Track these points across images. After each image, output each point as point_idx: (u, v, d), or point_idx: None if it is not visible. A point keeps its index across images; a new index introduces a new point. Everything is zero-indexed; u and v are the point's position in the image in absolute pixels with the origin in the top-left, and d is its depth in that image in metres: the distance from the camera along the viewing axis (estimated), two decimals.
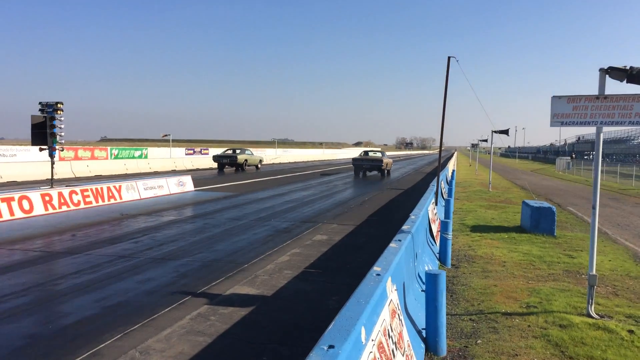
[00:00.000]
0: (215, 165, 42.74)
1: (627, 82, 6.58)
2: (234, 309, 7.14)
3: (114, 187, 19.35)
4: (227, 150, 44.57)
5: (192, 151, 70.42)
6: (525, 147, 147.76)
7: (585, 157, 79.19)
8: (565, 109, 6.89)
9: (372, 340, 3.72)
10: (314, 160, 79.72)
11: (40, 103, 17.12)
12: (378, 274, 4.76)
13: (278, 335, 6.20)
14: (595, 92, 6.82)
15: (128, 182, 20.60)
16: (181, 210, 17.64)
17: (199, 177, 33.04)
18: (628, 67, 6.50)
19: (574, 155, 74.46)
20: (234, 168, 42.25)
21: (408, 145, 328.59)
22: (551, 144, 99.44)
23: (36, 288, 8.09)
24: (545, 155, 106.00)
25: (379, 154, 39.18)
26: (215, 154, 44.52)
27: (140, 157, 51.76)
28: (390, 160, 41.71)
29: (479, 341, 6.11)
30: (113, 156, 48.00)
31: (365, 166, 37.29)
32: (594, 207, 6.91)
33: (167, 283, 8.39)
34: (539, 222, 13.30)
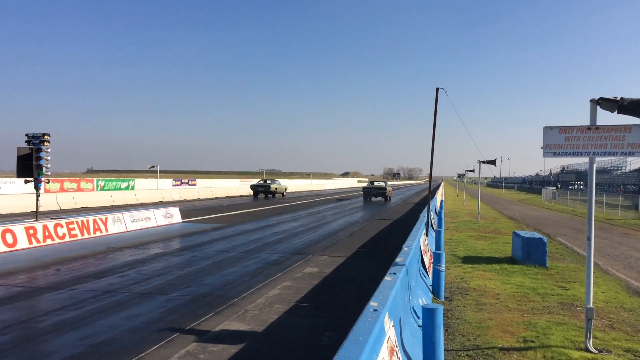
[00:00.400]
0: (202, 196, 42.90)
1: (617, 113, 6.62)
2: (224, 346, 6.91)
3: (100, 219, 19.05)
4: (260, 180, 57.58)
5: (179, 182, 70.13)
6: (511, 177, 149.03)
7: (570, 187, 79.87)
8: (558, 139, 6.90)
9: None
10: (302, 191, 79.60)
11: (26, 135, 16.93)
12: (375, 310, 4.61)
13: None
14: (585, 123, 6.85)
15: (114, 214, 20.30)
16: (168, 242, 17.36)
17: (187, 208, 32.73)
18: (619, 98, 6.53)
19: (559, 185, 75.11)
20: (265, 195, 53.15)
21: (395, 175, 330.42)
22: (537, 174, 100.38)
23: (18, 326, 7.81)
24: (531, 185, 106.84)
25: (382, 184, 50.28)
26: (251, 184, 57.12)
27: (127, 188, 51.41)
28: (391, 188, 52.67)
29: None
30: (99, 188, 47.60)
31: (372, 193, 48.17)
32: (589, 239, 6.86)
33: (155, 319, 8.13)
34: (530, 253, 13.24)
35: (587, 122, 6.86)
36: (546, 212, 38.98)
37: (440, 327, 5.62)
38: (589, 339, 6.75)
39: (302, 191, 79.61)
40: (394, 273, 6.47)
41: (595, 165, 7.03)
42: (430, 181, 14.51)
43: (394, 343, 4.76)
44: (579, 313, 8.78)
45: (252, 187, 53.69)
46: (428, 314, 5.61)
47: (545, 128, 6.97)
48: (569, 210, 41.00)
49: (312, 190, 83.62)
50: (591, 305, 6.78)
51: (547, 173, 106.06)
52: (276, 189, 53.57)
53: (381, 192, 47.57)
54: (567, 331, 7.58)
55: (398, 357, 4.78)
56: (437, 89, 14.20)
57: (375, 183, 51.51)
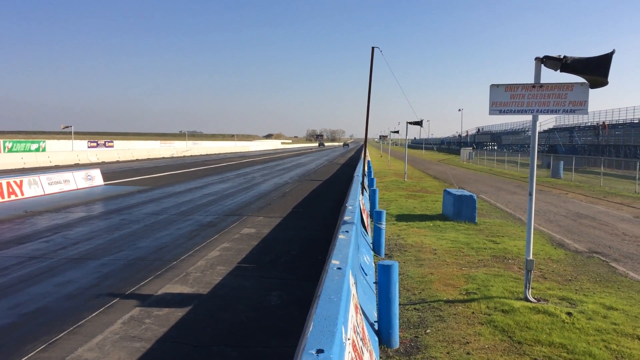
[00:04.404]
0: (122, 158, 41.36)
1: (560, 71, 6.78)
2: (169, 310, 6.64)
3: (15, 182, 17.75)
4: (320, 141, 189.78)
5: (95, 144, 66.82)
6: (430, 138, 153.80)
7: (485, 147, 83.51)
8: (503, 97, 7.00)
9: (349, 339, 3.48)
10: (227, 153, 78.29)
11: None
12: (339, 268, 4.52)
13: (222, 336, 5.81)
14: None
15: (30, 176, 18.99)
16: (92, 205, 16.49)
17: (107, 170, 31.25)
18: (562, 57, 6.68)
19: (474, 146, 78.30)
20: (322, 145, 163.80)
21: (318, 137, 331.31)
22: (459, 135, 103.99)
23: None
24: (449, 146, 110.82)
25: (349, 143, 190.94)
26: (318, 143, 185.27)
27: (37, 150, 48.31)
28: (352, 141, 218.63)
29: (427, 330, 6.07)
30: (7, 149, 44.41)
31: (347, 145, 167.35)
32: (530, 194, 7.09)
33: (90, 285, 7.69)
34: (461, 210, 13.68)
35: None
36: (466, 172, 40.55)
37: (396, 283, 5.66)
38: (528, 289, 7.05)
39: (227, 153, 78.33)
40: (347, 231, 6.41)
41: (538, 124, 7.20)
42: (365, 142, 14.53)
43: (357, 301, 4.72)
44: (511, 265, 9.19)
45: (319, 144, 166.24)
46: (384, 270, 5.63)
47: (492, 86, 7.04)
48: (486, 170, 42.90)
49: (237, 152, 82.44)
50: (531, 257, 7.06)
51: (465, 134, 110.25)
52: (325, 144, 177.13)
53: (348, 144, 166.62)
54: (505, 282, 7.91)
55: (360, 314, 4.74)
56: (373, 48, 14.09)
57: (346, 142, 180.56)
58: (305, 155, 69.72)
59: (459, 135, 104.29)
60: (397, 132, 47.48)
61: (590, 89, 6.79)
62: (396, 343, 5.63)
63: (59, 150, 50.63)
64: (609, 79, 6.49)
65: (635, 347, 5.48)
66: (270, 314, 6.56)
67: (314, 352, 2.74)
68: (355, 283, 5.76)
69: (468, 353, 5.34)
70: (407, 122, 28.63)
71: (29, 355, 5.22)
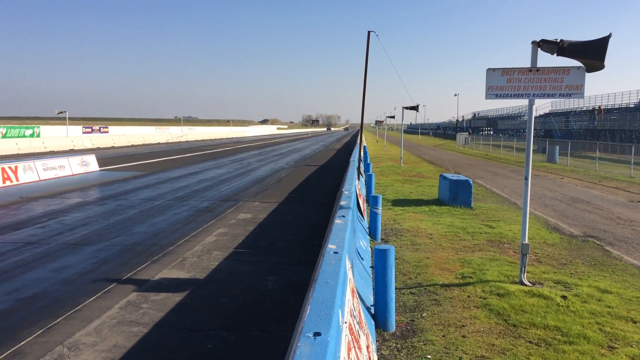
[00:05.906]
0: (117, 144, 41.33)
1: (557, 55, 6.75)
2: (166, 294, 6.65)
3: (10, 167, 17.68)
4: (327, 127, 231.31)
5: (90, 129, 66.56)
6: (426, 124, 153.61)
7: (481, 132, 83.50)
8: (500, 81, 6.97)
9: (345, 322, 3.49)
10: (222, 138, 78.08)
11: None
12: (335, 252, 4.53)
13: (219, 321, 5.83)
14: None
15: (25, 162, 18.91)
16: (88, 191, 16.45)
17: (103, 156, 31.16)
18: (559, 40, 6.65)
19: (470, 131, 78.22)
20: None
21: (314, 122, 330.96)
22: (457, 120, 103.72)
23: None
24: (445, 131, 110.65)
25: (346, 127, 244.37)
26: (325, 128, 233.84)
27: (32, 135, 48.03)
28: (348, 126, 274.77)
29: (424, 314, 6.11)
30: (1, 135, 44.15)
31: (345, 129, 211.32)
32: (526, 178, 7.10)
33: (87, 270, 7.69)
34: (457, 194, 13.71)
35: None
36: (461, 157, 40.61)
37: (392, 267, 5.68)
38: (524, 273, 7.09)
39: (222, 138, 78.13)
40: (343, 216, 6.42)
41: (534, 108, 7.19)
42: (361, 127, 14.47)
43: (354, 284, 4.74)
44: (507, 249, 9.24)
45: (327, 128, 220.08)
46: (381, 254, 5.65)
47: (488, 70, 7.01)
48: (482, 155, 42.96)
49: (232, 138, 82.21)
50: (526, 241, 7.09)
51: (461, 119, 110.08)
52: (332, 128, 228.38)
53: (347, 129, 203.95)
54: (501, 266, 7.95)
55: (357, 298, 4.77)
56: (369, 32, 13.96)
57: (346, 127, 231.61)
58: (301, 141, 69.62)
59: (456, 121, 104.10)
60: (393, 117, 47.45)
61: (586, 73, 6.78)
62: (392, 326, 5.67)
63: (53, 135, 50.38)
64: (605, 62, 6.48)
65: (629, 330, 5.53)
66: (267, 299, 6.58)
67: (311, 335, 2.76)
68: (352, 267, 5.78)
69: (464, 336, 5.39)
70: (403, 107, 28.57)
71: (27, 340, 5.24)
